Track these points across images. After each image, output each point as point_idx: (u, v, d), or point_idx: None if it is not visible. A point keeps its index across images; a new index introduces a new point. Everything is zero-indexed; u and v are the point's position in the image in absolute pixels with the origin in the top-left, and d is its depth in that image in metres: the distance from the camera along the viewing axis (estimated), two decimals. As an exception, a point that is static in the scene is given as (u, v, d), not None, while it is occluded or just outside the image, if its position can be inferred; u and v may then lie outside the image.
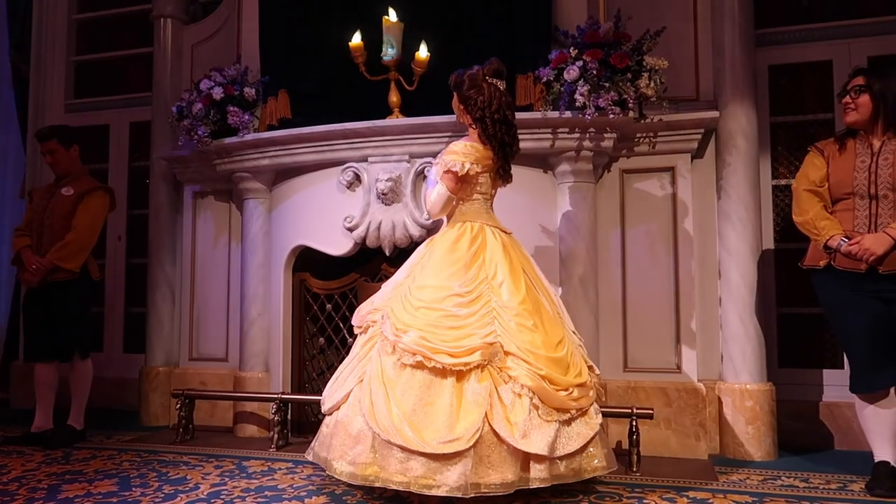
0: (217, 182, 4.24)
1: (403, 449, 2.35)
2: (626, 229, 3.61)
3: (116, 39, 5.23)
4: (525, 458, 2.41)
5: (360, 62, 3.53)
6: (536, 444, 2.39)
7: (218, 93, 3.82)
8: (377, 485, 2.41)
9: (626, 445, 3.16)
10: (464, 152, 2.77)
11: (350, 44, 3.51)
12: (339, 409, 2.62)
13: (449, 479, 2.31)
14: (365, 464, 2.42)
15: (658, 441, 3.40)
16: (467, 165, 2.74)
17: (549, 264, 3.49)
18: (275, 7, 4.00)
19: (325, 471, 2.63)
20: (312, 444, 2.75)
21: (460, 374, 2.45)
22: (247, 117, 3.87)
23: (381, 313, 2.70)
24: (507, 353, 2.50)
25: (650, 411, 3.17)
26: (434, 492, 2.32)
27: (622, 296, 3.58)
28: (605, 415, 3.30)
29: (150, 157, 4.57)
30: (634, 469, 3.06)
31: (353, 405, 2.55)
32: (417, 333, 2.49)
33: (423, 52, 3.48)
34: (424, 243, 2.92)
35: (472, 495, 2.32)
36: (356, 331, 2.85)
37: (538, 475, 2.41)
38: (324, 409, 2.73)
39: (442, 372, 2.44)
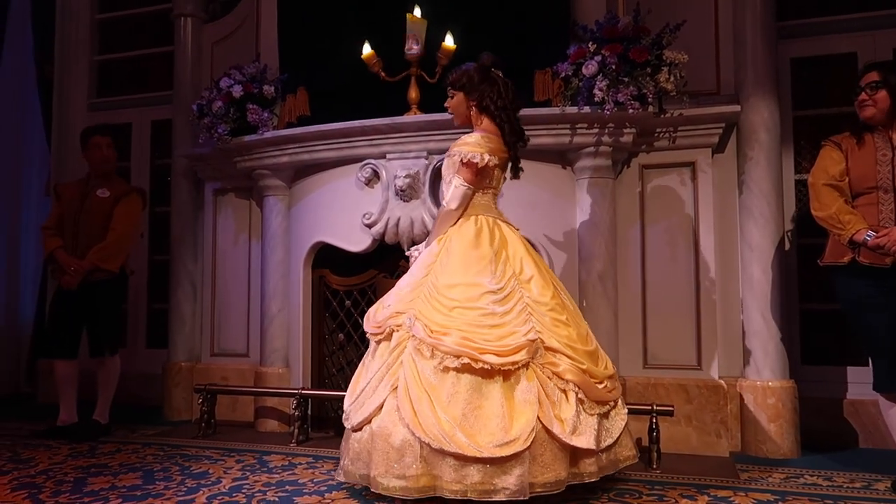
0: (237, 179, 4.27)
1: (458, 457, 2.26)
2: (645, 225, 3.58)
3: (137, 39, 5.28)
4: (573, 454, 2.40)
5: (376, 69, 3.56)
6: (585, 438, 2.39)
7: (237, 91, 3.85)
8: (429, 495, 2.32)
9: (645, 442, 3.14)
10: (479, 143, 2.71)
11: (362, 56, 3.53)
12: (370, 422, 2.48)
13: (508, 482, 2.25)
14: (416, 476, 2.31)
15: (678, 438, 3.38)
16: (486, 157, 2.69)
17: (567, 261, 3.48)
18: (294, 5, 4.02)
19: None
20: (341, 462, 2.62)
21: (507, 374, 2.39)
22: (266, 115, 3.89)
23: (406, 316, 2.56)
24: (548, 349, 2.46)
25: (670, 408, 3.15)
26: (494, 497, 2.25)
27: (642, 292, 3.56)
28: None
29: (171, 154, 4.61)
30: (654, 466, 3.04)
31: (391, 415, 2.42)
32: (459, 334, 2.40)
33: (449, 42, 3.47)
34: (436, 240, 2.79)
35: (530, 496, 2.28)
36: (373, 337, 2.70)
37: (587, 469, 2.41)
38: (350, 424, 2.56)
39: (489, 373, 2.37)
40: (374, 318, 2.72)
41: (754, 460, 3.26)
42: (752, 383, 3.40)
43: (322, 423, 3.87)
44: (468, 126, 2.89)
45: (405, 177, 3.52)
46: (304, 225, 3.92)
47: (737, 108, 3.45)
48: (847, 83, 3.68)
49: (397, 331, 2.58)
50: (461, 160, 2.69)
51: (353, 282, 3.87)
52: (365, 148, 3.64)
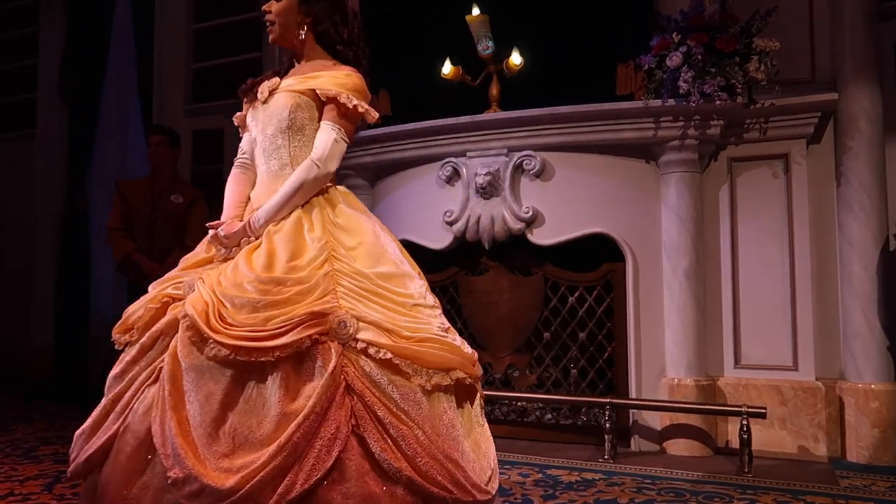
0: (322, 180, 4.39)
1: None
2: (735, 220, 3.45)
3: (231, 46, 5.52)
4: None
5: (461, 79, 3.63)
6: None
7: (322, 94, 3.97)
8: None
9: (736, 445, 3.04)
10: (364, 92, 2.00)
11: (444, 74, 3.58)
12: None
13: None
14: None
15: (772, 441, 3.24)
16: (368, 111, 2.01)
17: (652, 257, 3.40)
18: (373, 11, 4.11)
19: None
20: None
21: None
22: (349, 116, 3.99)
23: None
24: None
25: (763, 410, 3.03)
26: None
27: (732, 289, 3.43)
28: (714, 412, 3.23)
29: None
30: (746, 470, 2.93)
31: None
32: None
33: (515, 59, 3.48)
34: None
35: None
36: None
37: None
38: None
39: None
40: None
41: (855, 467, 3.09)
42: (854, 386, 3.22)
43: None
44: (286, 48, 2.14)
45: (485, 174, 3.53)
46: (386, 223, 3.92)
47: (834, 96, 3.27)
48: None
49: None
50: (348, 106, 1.94)
51: (434, 279, 3.91)
52: (445, 146, 3.68)
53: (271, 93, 2.02)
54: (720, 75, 3.13)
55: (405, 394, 1.66)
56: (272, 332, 1.63)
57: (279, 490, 1.52)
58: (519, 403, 3.65)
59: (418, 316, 1.78)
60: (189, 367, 1.64)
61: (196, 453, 1.56)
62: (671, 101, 3.24)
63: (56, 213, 5.83)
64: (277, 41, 2.08)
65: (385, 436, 1.61)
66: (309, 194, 1.92)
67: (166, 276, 1.91)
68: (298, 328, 1.64)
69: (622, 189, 3.42)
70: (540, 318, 3.62)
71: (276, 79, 2.06)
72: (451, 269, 3.85)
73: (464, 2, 3.73)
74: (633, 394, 3.40)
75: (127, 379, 1.73)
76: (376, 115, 2.05)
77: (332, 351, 1.65)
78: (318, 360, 1.65)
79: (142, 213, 3.96)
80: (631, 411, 3.41)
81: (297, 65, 2.10)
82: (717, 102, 3.14)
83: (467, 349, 1.83)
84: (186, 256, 2.00)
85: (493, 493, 1.74)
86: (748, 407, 3.04)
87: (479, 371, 1.86)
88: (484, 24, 3.49)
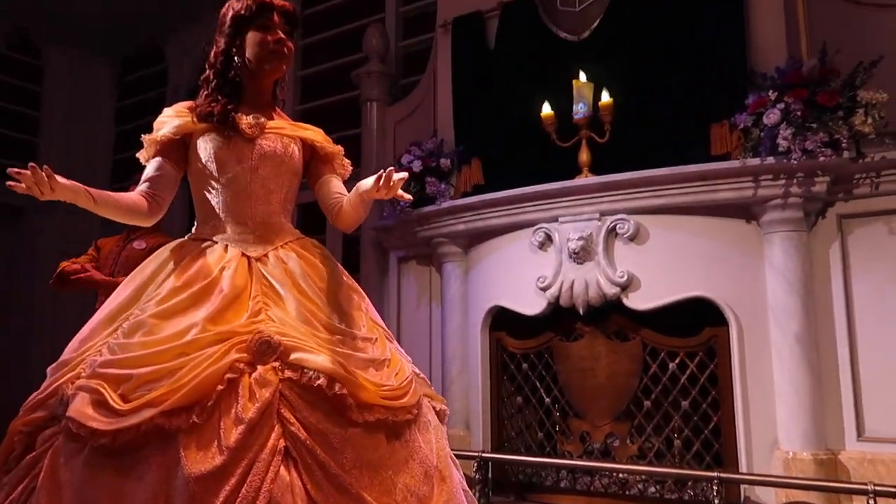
0: (418, 247, 4.53)
1: None
2: (849, 279, 3.24)
3: (332, 123, 5.85)
4: None
5: (550, 130, 3.65)
6: None
7: (417, 166, 4.13)
8: None
9: (863, 528, 2.78)
10: None
11: (542, 114, 3.65)
12: None
13: None
14: None
15: (906, 525, 2.94)
16: None
17: (757, 320, 3.24)
18: (465, 83, 4.27)
19: None
20: None
21: None
22: (443, 186, 4.12)
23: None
24: None
25: (894, 489, 2.76)
26: None
27: (850, 354, 3.19)
28: (836, 490, 2.97)
29: (359, 227, 4.99)
30: (876, 556, 2.67)
31: None
32: None
33: (605, 97, 3.49)
34: None
35: None
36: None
37: None
38: None
39: None
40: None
41: None
42: None
43: (503, 486, 3.86)
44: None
45: (578, 239, 3.51)
46: (480, 289, 4.04)
47: (952, 146, 3.06)
48: None
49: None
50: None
51: (529, 345, 3.89)
52: (537, 212, 3.71)
53: (262, 131, 1.89)
54: (822, 130, 3.01)
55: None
56: None
57: None
58: (620, 475, 3.50)
59: None
60: None
61: None
62: (770, 159, 3.14)
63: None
64: (276, 77, 1.97)
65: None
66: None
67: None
68: None
69: (721, 250, 3.31)
70: (640, 384, 3.50)
71: (262, 117, 1.90)
72: (546, 334, 3.81)
73: (554, 70, 3.82)
74: (743, 467, 3.19)
75: None
76: None
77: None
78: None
79: (107, 261, 3.63)
80: (742, 487, 3.20)
81: (242, 99, 1.92)
82: (822, 158, 3.01)
83: None
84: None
85: None
86: (875, 485, 2.78)
87: None
88: (588, 91, 3.55)
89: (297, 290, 1.76)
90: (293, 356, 1.58)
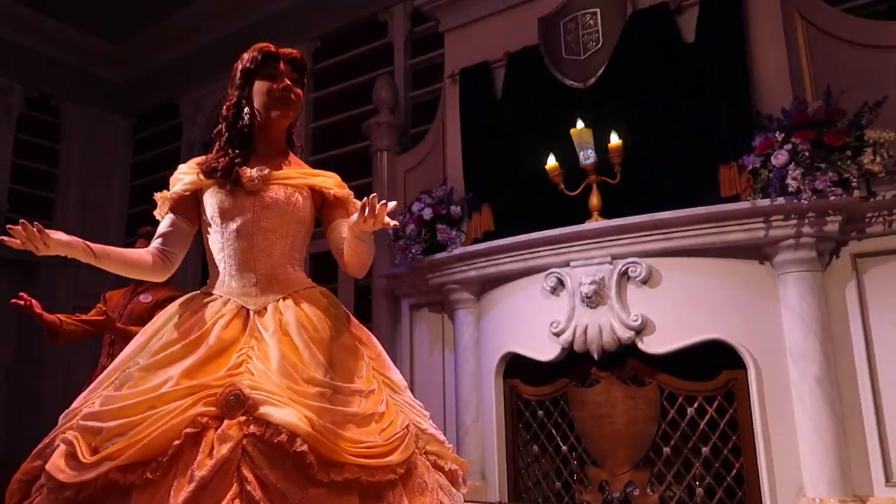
0: (430, 294, 4.52)
1: None
2: (867, 319, 3.20)
3: (344, 173, 5.91)
4: None
5: (557, 181, 3.70)
6: None
7: (428, 213, 4.16)
8: None
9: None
10: None
11: (546, 167, 3.69)
12: None
13: None
14: None
15: (942, 574, 2.83)
16: None
17: (775, 363, 3.19)
18: (474, 131, 4.34)
19: None
20: None
21: None
22: (454, 233, 4.14)
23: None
24: None
25: (926, 536, 2.67)
26: None
27: (873, 395, 3.13)
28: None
29: (371, 275, 5.01)
30: None
31: None
32: None
33: (614, 139, 3.52)
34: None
35: None
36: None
37: None
38: None
39: None
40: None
41: None
42: None
43: (521, 539, 3.77)
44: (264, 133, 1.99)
45: (590, 283, 3.50)
46: (493, 335, 4.01)
47: (963, 182, 3.05)
48: None
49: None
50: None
51: (544, 391, 3.84)
52: (548, 257, 3.70)
53: (265, 182, 1.88)
54: (831, 170, 3.02)
55: None
56: None
57: None
58: (642, 525, 3.40)
59: None
60: None
61: None
62: (780, 200, 3.14)
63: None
64: (285, 123, 1.99)
65: None
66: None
67: None
68: None
69: (736, 292, 3.29)
70: (658, 431, 3.43)
71: (267, 169, 1.90)
72: (561, 380, 3.76)
73: (560, 118, 3.87)
74: (768, 515, 3.09)
75: None
76: None
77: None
78: None
79: (113, 314, 3.67)
80: (769, 535, 3.10)
81: (253, 150, 1.94)
82: (832, 198, 3.01)
83: None
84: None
85: None
86: (907, 532, 2.69)
87: None
88: (587, 137, 3.59)
89: (286, 341, 1.72)
90: (260, 410, 1.53)
